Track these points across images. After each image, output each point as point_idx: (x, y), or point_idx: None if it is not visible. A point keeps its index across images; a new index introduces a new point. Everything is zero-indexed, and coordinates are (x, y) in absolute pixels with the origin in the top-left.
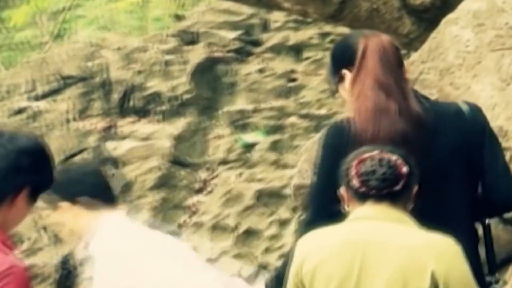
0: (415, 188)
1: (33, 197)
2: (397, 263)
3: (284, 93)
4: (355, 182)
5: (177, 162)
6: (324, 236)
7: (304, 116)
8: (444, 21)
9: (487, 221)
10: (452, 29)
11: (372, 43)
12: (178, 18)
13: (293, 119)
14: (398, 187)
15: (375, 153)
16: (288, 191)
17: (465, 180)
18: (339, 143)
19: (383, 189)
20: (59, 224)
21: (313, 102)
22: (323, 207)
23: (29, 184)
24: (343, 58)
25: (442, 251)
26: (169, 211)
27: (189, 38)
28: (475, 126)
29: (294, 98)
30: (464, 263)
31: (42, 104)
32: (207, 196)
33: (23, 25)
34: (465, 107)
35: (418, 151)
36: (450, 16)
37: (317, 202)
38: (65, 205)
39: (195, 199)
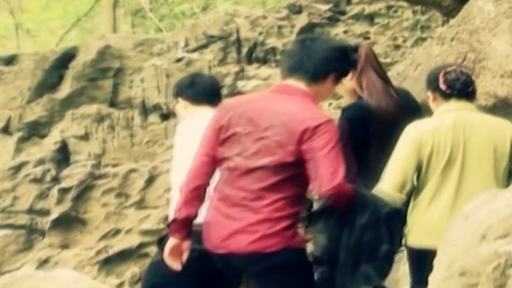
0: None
1: (336, 81)
2: (488, 134)
3: None
4: (443, 86)
5: None
6: (430, 123)
7: None
8: None
9: None
10: (479, 3)
11: (366, 51)
12: None
13: None
14: (471, 88)
15: (454, 67)
16: None
17: None
18: (363, 113)
19: (462, 90)
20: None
21: (381, 53)
22: None
23: (335, 70)
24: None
25: (511, 126)
26: None
27: (296, 9)
28: (415, 101)
29: None
30: None
31: (193, 55)
32: None
33: (180, 1)
34: (407, 91)
35: (402, 114)
36: None
37: None
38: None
39: None
